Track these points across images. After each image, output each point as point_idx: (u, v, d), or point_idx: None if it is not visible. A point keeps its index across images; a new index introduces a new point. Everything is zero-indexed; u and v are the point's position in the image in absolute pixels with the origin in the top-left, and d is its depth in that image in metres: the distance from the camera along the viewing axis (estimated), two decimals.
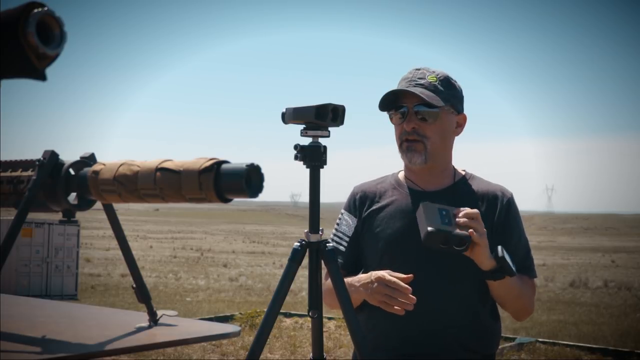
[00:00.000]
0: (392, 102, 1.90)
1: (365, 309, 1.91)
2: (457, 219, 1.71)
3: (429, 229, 1.67)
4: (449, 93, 1.89)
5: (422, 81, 1.87)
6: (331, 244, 1.64)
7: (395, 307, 1.72)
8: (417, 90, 1.84)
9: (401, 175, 2.01)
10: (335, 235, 2.00)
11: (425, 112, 1.86)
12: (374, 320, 1.89)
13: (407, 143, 1.88)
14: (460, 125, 1.95)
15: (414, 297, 1.70)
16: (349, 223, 1.99)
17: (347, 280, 1.83)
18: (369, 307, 1.90)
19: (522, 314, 1.93)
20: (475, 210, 1.73)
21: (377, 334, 1.88)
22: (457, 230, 1.69)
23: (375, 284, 1.76)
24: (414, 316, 1.80)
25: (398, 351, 1.85)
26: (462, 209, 1.73)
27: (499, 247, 1.74)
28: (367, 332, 1.90)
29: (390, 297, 1.73)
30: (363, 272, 1.92)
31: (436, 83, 1.87)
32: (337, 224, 2.02)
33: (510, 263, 1.75)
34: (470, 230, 1.68)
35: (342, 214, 2.03)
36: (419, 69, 1.92)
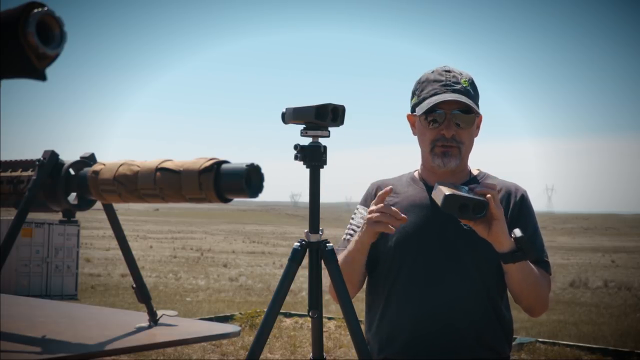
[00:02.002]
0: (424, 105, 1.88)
1: (379, 304, 1.92)
2: (475, 189, 1.70)
3: (446, 193, 1.65)
4: (476, 97, 1.90)
5: (457, 86, 1.86)
6: (331, 244, 1.64)
7: (391, 226, 1.72)
8: (463, 99, 1.83)
9: (417, 174, 2.02)
10: (349, 228, 1.99)
11: (462, 118, 1.85)
12: (387, 316, 1.89)
13: (443, 148, 1.87)
14: (478, 127, 1.96)
15: (404, 216, 1.73)
16: (364, 215, 1.99)
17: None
18: (383, 303, 1.91)
19: (538, 307, 1.89)
20: (494, 184, 1.72)
21: (390, 330, 1.88)
22: (474, 196, 1.67)
23: (370, 215, 1.76)
24: (428, 312, 1.82)
25: (413, 348, 1.83)
26: (485, 182, 1.74)
27: (517, 229, 1.71)
28: (380, 328, 1.90)
29: (385, 215, 1.73)
30: (376, 266, 1.93)
31: (468, 87, 1.87)
32: (352, 218, 2.02)
33: (530, 247, 1.71)
34: (488, 196, 1.67)
35: (357, 208, 2.03)
36: (449, 71, 1.90)
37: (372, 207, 1.76)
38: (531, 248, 1.72)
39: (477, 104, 1.89)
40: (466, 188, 1.72)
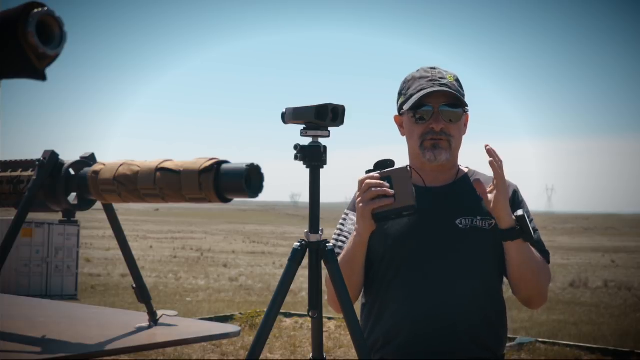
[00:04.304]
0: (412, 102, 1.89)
1: (375, 304, 1.91)
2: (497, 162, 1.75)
3: (372, 214, 1.72)
4: (463, 93, 1.91)
5: (444, 81, 1.87)
6: (331, 244, 1.64)
7: (386, 199, 1.70)
8: (450, 91, 1.84)
9: None
10: (340, 235, 1.98)
11: (451, 112, 1.86)
12: (383, 316, 1.89)
13: (433, 141, 1.87)
14: (465, 125, 1.96)
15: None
16: (355, 222, 1.98)
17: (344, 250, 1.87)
18: (379, 303, 1.90)
19: (536, 297, 1.88)
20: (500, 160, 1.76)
21: (387, 330, 1.87)
22: (398, 205, 1.70)
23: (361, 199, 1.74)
24: (425, 312, 1.81)
25: (409, 348, 1.83)
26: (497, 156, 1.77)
27: (520, 210, 1.75)
28: (377, 328, 1.90)
29: (376, 190, 1.71)
30: (371, 267, 1.92)
31: (454, 82, 1.89)
32: (342, 224, 2.00)
33: (530, 227, 1.74)
34: (496, 165, 1.75)
35: (346, 214, 2.02)
36: (434, 68, 1.91)
37: (360, 191, 1.75)
38: (529, 229, 1.74)
39: (464, 97, 1.90)
40: (389, 177, 1.72)
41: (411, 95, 1.88)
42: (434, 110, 1.86)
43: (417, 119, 1.88)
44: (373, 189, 1.71)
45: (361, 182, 1.74)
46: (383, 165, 1.75)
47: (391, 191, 1.70)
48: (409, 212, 1.71)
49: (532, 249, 1.81)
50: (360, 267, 1.88)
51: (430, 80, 1.87)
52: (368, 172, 1.76)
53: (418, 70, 1.93)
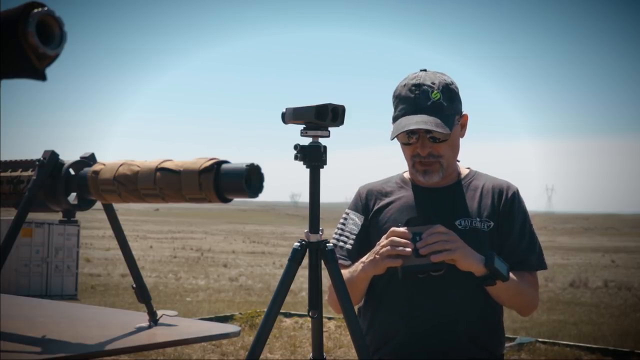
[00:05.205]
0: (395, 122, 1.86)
1: (373, 305, 1.91)
2: (426, 246, 1.72)
3: (400, 268, 1.74)
4: (452, 105, 1.84)
5: (428, 102, 1.80)
6: (331, 244, 1.64)
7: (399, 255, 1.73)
8: (430, 121, 1.78)
9: (406, 174, 2.01)
10: (341, 235, 1.98)
11: (437, 133, 1.81)
12: (381, 316, 1.89)
13: (423, 166, 1.86)
14: (464, 126, 1.93)
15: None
16: (356, 222, 1.98)
17: (352, 267, 1.87)
18: (377, 303, 1.90)
19: (525, 310, 1.94)
20: (440, 230, 1.74)
21: (385, 330, 1.88)
22: (428, 261, 1.72)
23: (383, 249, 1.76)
24: (423, 312, 1.82)
25: (407, 347, 1.84)
26: (429, 231, 1.73)
27: (490, 254, 1.75)
28: (374, 328, 1.90)
29: (395, 248, 1.74)
30: None
31: (441, 100, 1.81)
32: (343, 224, 2.00)
33: (502, 268, 1.75)
34: (441, 255, 1.71)
35: (347, 213, 2.02)
36: (419, 85, 1.83)
37: (384, 242, 1.77)
38: (502, 274, 1.75)
39: (453, 112, 1.84)
40: (426, 230, 1.74)
41: (397, 117, 1.85)
42: (419, 135, 1.83)
43: (405, 139, 1.85)
44: (396, 247, 1.74)
45: (391, 233, 1.77)
46: (415, 222, 1.79)
47: (408, 251, 1.72)
48: (438, 273, 1.74)
49: (512, 276, 1.81)
50: (363, 291, 1.90)
51: (414, 103, 1.82)
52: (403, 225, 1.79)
53: (405, 85, 1.86)
